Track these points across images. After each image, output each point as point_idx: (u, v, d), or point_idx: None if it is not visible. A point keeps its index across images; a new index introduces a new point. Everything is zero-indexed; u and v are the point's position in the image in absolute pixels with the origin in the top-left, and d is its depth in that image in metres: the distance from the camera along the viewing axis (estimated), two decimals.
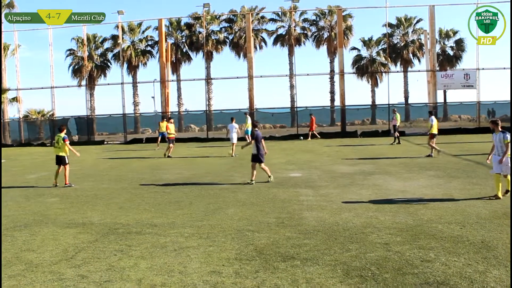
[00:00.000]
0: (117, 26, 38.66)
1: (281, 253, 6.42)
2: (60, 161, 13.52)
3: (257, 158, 12.80)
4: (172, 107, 38.32)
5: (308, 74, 37.71)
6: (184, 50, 46.32)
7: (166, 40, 37.01)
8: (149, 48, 46.19)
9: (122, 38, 41.44)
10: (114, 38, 43.40)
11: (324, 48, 46.93)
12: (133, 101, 47.74)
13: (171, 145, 21.05)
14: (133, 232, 7.89)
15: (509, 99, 30.77)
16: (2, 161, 22.18)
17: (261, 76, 34.54)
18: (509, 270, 5.46)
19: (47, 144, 32.31)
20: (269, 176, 12.97)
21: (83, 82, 43.75)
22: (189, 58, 47.00)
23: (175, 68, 46.46)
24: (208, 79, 43.16)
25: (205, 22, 42.15)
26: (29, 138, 33.53)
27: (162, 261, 6.25)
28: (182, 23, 45.32)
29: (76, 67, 44.13)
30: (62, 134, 13.55)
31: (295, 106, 37.46)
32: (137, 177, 14.80)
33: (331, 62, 46.81)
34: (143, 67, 46.46)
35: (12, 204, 10.98)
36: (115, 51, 44.74)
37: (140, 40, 45.72)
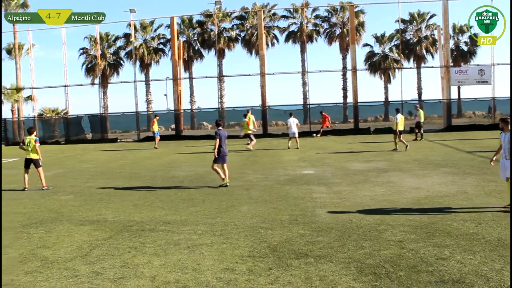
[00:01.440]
0: (130, 25, 38.85)
1: (295, 251, 6.40)
2: (33, 164, 13.00)
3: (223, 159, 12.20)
4: (185, 105, 38.41)
5: (320, 71, 37.53)
6: (196, 48, 46.43)
7: (178, 38, 37.10)
8: (161, 46, 46.39)
9: (135, 36, 41.64)
10: (127, 36, 43.64)
11: (336, 44, 46.78)
12: (145, 99, 48.01)
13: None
14: (147, 229, 7.93)
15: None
16: (17, 159, 22.44)
17: (273, 73, 34.49)
18: None
19: (61, 142, 32.64)
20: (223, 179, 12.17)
21: (96, 81, 44.11)
22: (201, 56, 47.12)
23: (188, 66, 46.59)
24: (220, 77, 43.20)
25: (216, 20, 42.19)
26: (44, 136, 33.88)
27: (176, 258, 6.28)
28: (194, 21, 45.43)
29: (89, 65, 44.51)
30: (33, 136, 13.08)
31: (308, 103, 37.35)
32: (150, 175, 14.89)
33: (344, 58, 46.62)
34: (155, 65, 46.69)
35: (27, 201, 11.11)
36: (128, 49, 45.02)
37: (152, 38, 45.93)
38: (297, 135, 22.38)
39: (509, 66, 31.77)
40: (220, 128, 12.25)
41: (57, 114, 36.01)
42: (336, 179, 12.65)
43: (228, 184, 12.02)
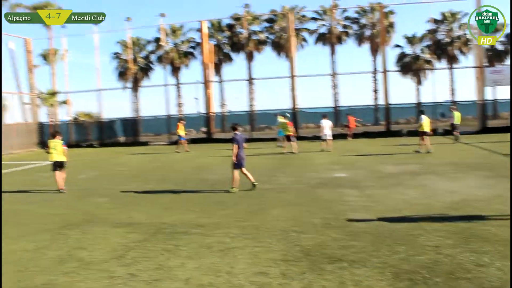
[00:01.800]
0: (160, 29, 39.40)
1: (328, 255, 6.35)
2: (61, 166, 13.44)
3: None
4: (215, 108, 38.67)
5: (351, 73, 37.22)
6: (225, 51, 46.69)
7: (208, 42, 37.41)
8: (191, 50, 46.83)
9: (165, 40, 42.20)
10: (157, 40, 44.26)
11: (366, 46, 46.21)
12: (176, 102, 48.54)
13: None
14: (180, 232, 8.01)
15: None
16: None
17: (303, 76, 34.37)
18: None
19: (95, 145, 33.33)
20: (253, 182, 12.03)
21: (128, 84, 44.88)
22: (230, 59, 47.32)
23: (217, 69, 46.90)
24: (250, 80, 43.32)
25: (246, 23, 42.32)
26: (78, 139, 34.70)
27: (209, 261, 6.31)
28: (223, 24, 45.70)
29: (121, 70, 45.34)
30: (59, 140, 13.50)
31: (338, 105, 37.05)
32: (181, 178, 15.04)
33: (374, 60, 46.04)
34: (186, 69, 47.12)
35: (63, 203, 11.40)
36: (159, 53, 45.63)
37: (183, 42, 46.40)
38: (330, 138, 22.25)
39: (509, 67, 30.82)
40: (237, 132, 11.93)
41: (91, 117, 36.82)
42: (369, 182, 12.50)
43: (256, 184, 11.98)
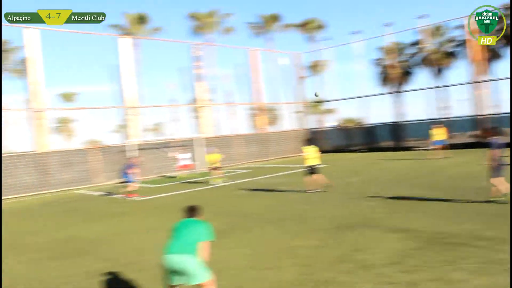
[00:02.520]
0: (420, 31, 38.04)
1: None
2: (315, 170, 14.74)
3: None
4: (487, 110, 35.06)
5: None
6: (495, 48, 41.96)
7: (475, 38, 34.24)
8: (455, 49, 43.76)
9: (427, 42, 40.52)
10: (418, 43, 42.88)
11: None
12: (441, 105, 46.00)
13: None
14: (459, 243, 7.48)
15: None
16: (324, 165, 24.65)
17: None
18: None
19: (360, 151, 34.26)
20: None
21: (391, 89, 44.74)
22: (499, 56, 42.32)
23: (487, 67, 42.50)
24: None
25: None
26: (344, 144, 36.27)
27: (503, 280, 5.67)
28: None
29: (383, 75, 45.57)
30: (314, 147, 14.95)
31: None
32: (453, 185, 14.03)
33: None
34: (450, 70, 44.32)
35: (338, 205, 12.01)
36: (420, 56, 44.14)
37: (445, 42, 43.79)
38: None
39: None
40: (496, 137, 10.75)
41: (355, 123, 38.09)
42: None
43: (502, 198, 10.44)
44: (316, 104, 39.22)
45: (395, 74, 43.49)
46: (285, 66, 38.67)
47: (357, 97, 36.68)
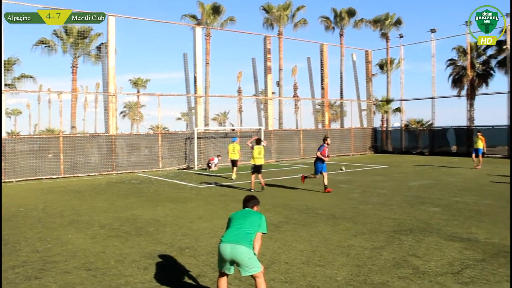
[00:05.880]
0: (503, 31, 35.91)
1: None
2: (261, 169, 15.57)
3: None
4: None
5: None
6: (510, 59, 38.87)
7: None
8: None
9: (509, 42, 38.22)
10: (499, 43, 40.52)
11: None
12: None
13: None
14: None
15: None
16: (385, 166, 24.06)
17: None
18: None
19: (425, 153, 33.09)
20: None
21: (463, 92, 42.72)
22: None
23: None
24: None
25: None
26: (409, 146, 35.18)
27: None
28: None
29: (456, 76, 43.52)
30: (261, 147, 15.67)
31: None
32: None
33: None
34: None
35: (397, 208, 11.70)
36: (499, 57, 41.74)
37: None
38: None
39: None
40: None
41: (422, 125, 36.78)
42: None
43: None
44: (384, 103, 38.22)
45: (470, 76, 41.49)
46: (355, 63, 37.96)
47: (427, 98, 35.45)
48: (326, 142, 15.38)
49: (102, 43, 31.06)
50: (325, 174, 15.01)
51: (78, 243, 8.70)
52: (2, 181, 18.80)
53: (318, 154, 15.09)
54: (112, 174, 22.69)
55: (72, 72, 36.62)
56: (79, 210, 12.43)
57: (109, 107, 24.21)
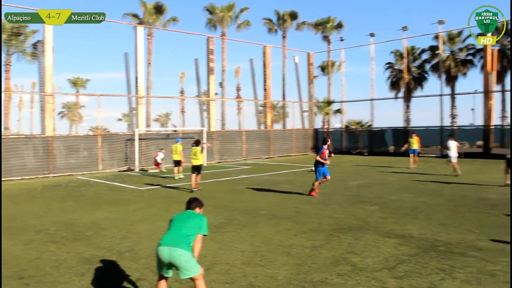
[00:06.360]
0: (437, 37, 37.76)
1: None
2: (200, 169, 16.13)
3: None
4: (495, 120, 34.85)
5: None
6: (510, 57, 41.61)
7: (491, 47, 33.99)
8: (470, 57, 43.44)
9: (442, 48, 40.30)
10: (432, 49, 42.56)
11: None
12: (450, 113, 45.77)
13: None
14: (456, 252, 7.45)
15: None
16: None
17: None
18: None
19: (364, 153, 34.14)
20: None
21: (400, 94, 44.54)
22: None
23: (500, 78, 42.18)
24: None
25: None
26: (349, 146, 36.18)
27: None
28: (510, 27, 40.81)
29: (393, 79, 45.33)
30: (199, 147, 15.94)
31: None
32: (458, 194, 13.99)
33: None
34: (462, 78, 43.99)
35: (337, 207, 11.99)
36: (433, 62, 43.85)
37: (460, 49, 43.46)
38: None
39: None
40: None
41: (361, 126, 37.96)
42: None
43: None
44: (325, 105, 39.11)
45: (406, 79, 43.29)
46: (297, 65, 38.57)
47: (366, 100, 36.55)
48: (326, 144, 14.07)
49: (39, 41, 29.77)
50: (328, 177, 14.00)
51: (11, 250, 8.26)
52: None
53: (318, 158, 13.83)
54: (48, 177, 21.76)
55: (5, 70, 34.87)
56: (13, 215, 11.83)
57: (45, 108, 23.19)
